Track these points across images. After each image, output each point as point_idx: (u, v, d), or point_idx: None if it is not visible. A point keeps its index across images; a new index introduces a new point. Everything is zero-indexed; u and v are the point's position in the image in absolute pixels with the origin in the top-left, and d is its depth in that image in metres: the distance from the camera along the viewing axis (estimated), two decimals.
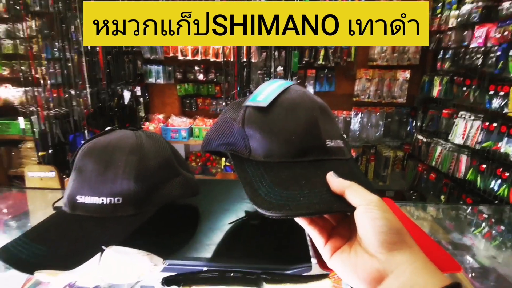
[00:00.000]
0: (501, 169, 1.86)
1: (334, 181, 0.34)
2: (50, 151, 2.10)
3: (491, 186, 1.92)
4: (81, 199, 0.47)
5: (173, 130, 2.88)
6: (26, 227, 0.60)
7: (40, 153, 2.11)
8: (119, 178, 0.47)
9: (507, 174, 1.81)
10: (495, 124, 1.90)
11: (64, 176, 2.10)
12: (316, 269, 0.44)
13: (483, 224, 0.98)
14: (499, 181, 1.87)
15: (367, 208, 0.30)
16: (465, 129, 2.15)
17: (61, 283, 0.40)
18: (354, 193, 0.31)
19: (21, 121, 2.34)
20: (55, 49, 2.26)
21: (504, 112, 1.80)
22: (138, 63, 2.85)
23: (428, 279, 0.26)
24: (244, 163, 0.41)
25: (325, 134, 0.42)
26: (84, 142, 0.54)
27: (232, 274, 0.37)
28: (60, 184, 2.02)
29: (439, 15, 2.53)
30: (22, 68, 2.30)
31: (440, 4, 2.54)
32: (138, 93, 2.68)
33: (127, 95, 2.41)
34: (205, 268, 0.40)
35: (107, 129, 0.57)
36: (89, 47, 2.27)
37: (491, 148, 1.91)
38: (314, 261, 0.43)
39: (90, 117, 2.16)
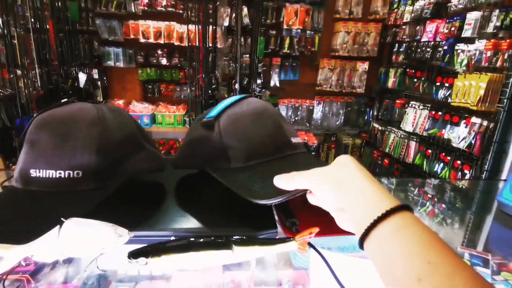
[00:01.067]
0: (444, 153, 2.06)
1: (280, 184, 0.41)
2: None
3: (435, 169, 2.13)
4: (35, 172, 0.45)
5: (135, 116, 2.75)
6: None
7: None
8: (78, 150, 0.45)
9: (449, 158, 2.01)
10: (440, 113, 2.09)
11: (11, 164, 1.93)
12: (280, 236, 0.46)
13: (427, 203, 1.09)
14: (441, 164, 2.08)
15: (309, 188, 0.39)
16: (415, 117, 2.34)
17: (15, 257, 0.38)
18: (294, 183, 0.40)
19: None
20: None
21: (448, 101, 1.98)
22: (95, 44, 2.66)
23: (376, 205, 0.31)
24: (228, 174, 0.47)
25: (288, 133, 0.51)
26: (36, 114, 0.50)
27: (201, 240, 0.38)
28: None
29: (395, 10, 2.69)
30: None
31: (397, 0, 2.69)
32: (95, 76, 2.51)
33: (82, 77, 2.24)
34: (173, 238, 0.40)
35: (63, 101, 0.53)
36: (37, 24, 2.07)
37: (436, 134, 2.10)
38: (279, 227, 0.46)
39: (40, 100, 1.99)
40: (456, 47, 1.93)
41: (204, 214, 0.48)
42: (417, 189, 1.13)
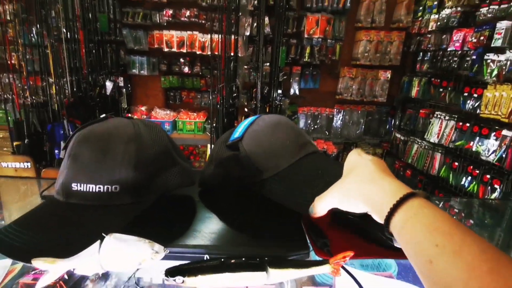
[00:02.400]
0: (472, 166, 1.98)
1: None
2: (25, 141, 2.00)
3: (462, 182, 2.04)
4: (76, 186, 0.47)
5: (157, 123, 2.82)
6: (11, 218, 0.58)
7: (15, 143, 2.01)
8: (117, 166, 0.47)
9: (477, 171, 1.92)
10: (468, 124, 2.01)
11: (40, 167, 2.02)
12: (313, 257, 0.46)
13: (454, 217, 1.05)
14: (469, 178, 1.99)
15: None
16: (440, 128, 2.26)
17: (59, 270, 0.39)
18: (318, 210, 0.42)
19: None
20: (32, 34, 2.14)
21: (477, 113, 1.91)
22: (121, 53, 2.76)
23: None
24: (265, 186, 0.50)
25: (305, 135, 0.57)
26: (77, 129, 0.53)
27: (235, 261, 0.38)
28: (36, 175, 1.94)
29: (419, 18, 2.63)
30: None
31: (421, 8, 2.64)
32: (121, 83, 2.60)
33: (109, 85, 2.33)
34: (207, 257, 0.40)
35: (101, 116, 0.56)
36: (69, 34, 2.17)
37: (463, 146, 2.02)
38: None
39: (69, 106, 2.08)
40: (486, 57, 1.86)
41: (236, 233, 0.49)
42: (443, 204, 1.09)
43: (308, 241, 0.47)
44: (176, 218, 0.53)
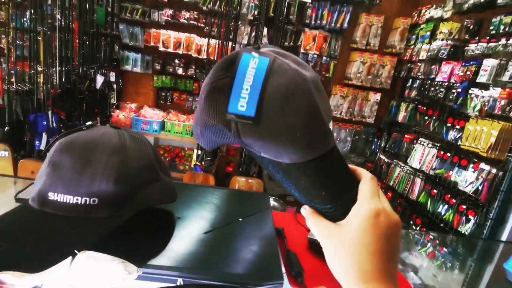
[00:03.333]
0: (449, 195, 2.04)
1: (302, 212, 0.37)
2: (6, 128, 1.94)
3: (439, 210, 2.10)
4: (53, 196, 0.46)
5: (145, 121, 2.79)
6: None
7: None
8: (98, 178, 0.46)
9: (454, 200, 1.99)
10: (449, 154, 2.08)
11: (19, 157, 1.95)
12: (286, 286, 0.46)
13: (428, 244, 1.08)
14: (446, 206, 2.05)
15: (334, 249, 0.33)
16: (423, 155, 2.33)
17: (26, 286, 0.38)
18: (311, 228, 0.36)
19: None
20: (25, 19, 2.09)
21: (458, 144, 1.98)
22: (116, 48, 2.72)
23: None
24: (262, 162, 0.36)
25: (326, 117, 0.35)
26: (60, 135, 0.52)
27: None
28: (13, 165, 1.87)
29: (412, 46, 2.72)
30: None
31: (414, 36, 2.73)
32: (112, 78, 2.56)
33: (100, 79, 2.29)
34: (180, 281, 0.40)
35: (87, 123, 0.55)
36: (63, 23, 2.13)
37: (443, 175, 2.09)
38: (285, 279, 0.46)
39: (56, 97, 2.03)
40: (470, 91, 1.94)
41: (211, 256, 0.48)
42: (423, 238, 1.12)
43: (283, 269, 0.48)
44: (153, 235, 0.52)
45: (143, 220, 0.53)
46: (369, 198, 0.33)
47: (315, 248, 0.58)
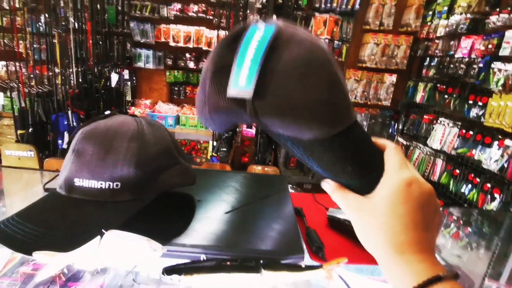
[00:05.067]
0: (472, 174, 1.97)
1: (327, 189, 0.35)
2: (30, 130, 2.02)
3: (462, 190, 2.04)
4: (79, 182, 0.48)
5: (160, 117, 2.84)
6: (13, 208, 0.60)
7: (19, 131, 2.03)
8: (119, 163, 0.47)
9: (478, 180, 1.92)
10: (471, 132, 2.00)
11: (43, 157, 2.04)
12: (307, 260, 0.47)
13: (452, 225, 1.05)
14: (469, 186, 1.99)
15: (364, 221, 0.32)
16: (443, 135, 2.25)
17: (59, 264, 0.41)
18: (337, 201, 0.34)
19: (0, 97, 2.23)
20: (40, 23, 2.15)
21: (481, 121, 1.90)
22: (127, 46, 2.77)
23: (432, 269, 0.28)
24: (279, 139, 0.34)
25: (347, 90, 0.33)
26: (82, 124, 0.54)
27: (230, 262, 0.39)
28: (38, 164, 1.96)
29: (428, 23, 2.61)
30: (5, 41, 2.18)
31: (430, 13, 2.62)
32: (126, 76, 2.61)
33: (114, 77, 2.34)
34: (203, 257, 0.41)
35: (106, 113, 0.57)
36: (77, 25, 2.18)
37: (465, 154, 2.02)
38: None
39: (74, 97, 2.09)
40: (493, 66, 1.85)
41: (233, 234, 0.49)
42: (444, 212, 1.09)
43: (304, 245, 0.48)
44: (175, 217, 0.54)
45: (165, 203, 0.55)
46: (398, 168, 0.31)
47: (334, 225, 0.58)
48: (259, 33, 0.30)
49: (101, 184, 0.47)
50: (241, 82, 0.29)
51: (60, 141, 2.04)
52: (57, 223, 0.44)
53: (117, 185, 0.48)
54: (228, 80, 0.30)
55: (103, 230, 0.41)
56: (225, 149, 2.26)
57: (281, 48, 0.30)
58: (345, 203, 0.33)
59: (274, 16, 2.57)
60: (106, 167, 0.47)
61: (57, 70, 2.12)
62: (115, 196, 0.48)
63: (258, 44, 0.29)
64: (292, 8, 2.46)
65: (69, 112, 2.03)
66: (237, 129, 2.62)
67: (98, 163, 0.47)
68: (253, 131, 2.62)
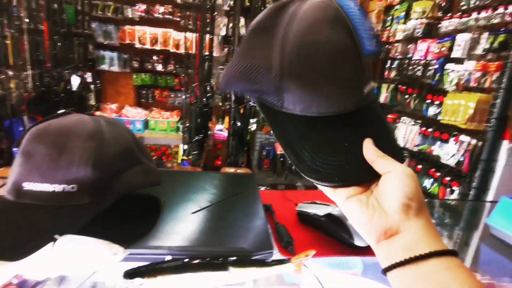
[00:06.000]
0: (433, 169, 2.10)
1: (368, 150, 0.33)
2: None
3: (425, 184, 2.16)
4: (28, 185, 0.44)
5: (127, 121, 2.73)
6: None
7: None
8: (74, 164, 0.44)
9: (438, 174, 2.05)
10: (430, 130, 2.13)
11: None
12: (276, 256, 0.46)
13: None
14: (431, 180, 2.11)
15: (398, 174, 0.31)
16: (406, 133, 2.38)
17: (7, 275, 0.37)
18: (387, 163, 0.32)
19: None
20: None
21: (438, 119, 2.03)
22: (90, 47, 2.64)
23: (431, 242, 0.29)
24: (277, 117, 0.34)
25: (366, 77, 0.35)
26: (33, 124, 0.50)
27: (198, 261, 0.38)
28: None
29: (388, 28, 2.76)
30: None
31: (389, 18, 2.77)
32: (89, 79, 2.49)
33: (75, 80, 2.22)
34: (168, 257, 0.39)
35: (59, 112, 0.53)
36: (32, 25, 2.05)
37: (426, 150, 2.14)
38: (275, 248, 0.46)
39: (31, 102, 1.95)
40: (446, 67, 1.99)
41: (200, 232, 0.48)
42: None
43: (273, 241, 0.48)
44: (138, 219, 0.51)
45: (127, 205, 0.52)
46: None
47: (304, 219, 0.58)
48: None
49: (55, 187, 0.44)
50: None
51: (14, 149, 1.89)
52: (4, 231, 0.40)
53: (72, 187, 0.44)
54: (264, 39, 0.34)
55: (56, 236, 0.38)
56: (196, 152, 2.23)
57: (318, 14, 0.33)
58: (385, 167, 0.32)
59: (242, 19, 2.58)
60: (59, 169, 0.44)
61: (10, 73, 1.97)
62: (71, 199, 0.44)
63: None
64: (260, 10, 2.48)
65: (25, 117, 1.89)
66: (208, 132, 2.59)
67: (51, 165, 0.44)
68: (225, 133, 2.60)
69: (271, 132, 0.35)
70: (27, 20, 2.03)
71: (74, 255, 0.37)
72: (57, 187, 0.44)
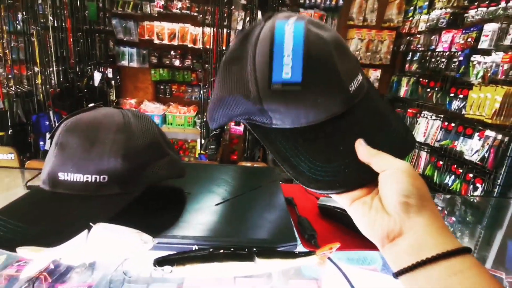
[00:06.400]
0: (455, 165, 2.04)
1: (361, 151, 0.33)
2: (9, 131, 1.95)
3: (446, 181, 2.10)
4: (63, 176, 0.46)
5: None
6: None
7: None
8: (105, 156, 0.46)
9: (461, 170, 1.98)
10: (453, 124, 2.06)
11: (25, 159, 1.97)
12: (300, 248, 0.47)
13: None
14: (453, 176, 2.05)
15: (393, 172, 0.30)
16: (427, 128, 2.31)
17: (45, 260, 0.39)
18: (382, 161, 0.31)
19: None
20: (17, 21, 2.07)
21: (462, 113, 1.96)
22: (110, 44, 2.71)
23: (439, 240, 0.27)
24: (269, 135, 0.35)
25: (347, 77, 0.35)
26: (65, 117, 0.52)
27: (223, 251, 0.39)
28: (20, 167, 1.89)
29: (410, 18, 2.67)
30: None
31: (412, 8, 2.68)
32: (110, 75, 2.55)
33: (97, 76, 2.28)
34: (195, 247, 0.41)
35: (90, 105, 0.55)
36: (56, 22, 2.11)
37: (448, 146, 2.08)
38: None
39: (56, 97, 2.03)
40: (472, 59, 1.91)
41: (224, 224, 0.49)
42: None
43: (296, 233, 0.48)
44: (165, 209, 0.53)
45: (154, 196, 0.54)
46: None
47: (326, 213, 0.58)
48: (290, 29, 0.33)
49: (87, 177, 0.46)
50: (285, 74, 0.32)
51: (41, 143, 1.98)
52: (41, 219, 0.43)
53: (103, 178, 0.46)
54: (235, 69, 0.35)
55: (90, 224, 0.39)
56: (213, 147, 2.25)
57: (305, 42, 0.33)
58: (384, 163, 0.31)
59: (259, 13, 2.56)
60: (91, 160, 0.46)
61: (36, 69, 2.05)
62: (102, 189, 0.46)
63: (294, 39, 0.33)
64: (277, 4, 2.46)
65: (51, 112, 1.97)
66: (225, 127, 2.60)
67: (83, 155, 0.46)
68: (241, 128, 2.62)
69: (266, 149, 0.36)
70: (51, 17, 2.10)
71: (107, 242, 0.39)
72: (90, 178, 0.45)
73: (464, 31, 2.01)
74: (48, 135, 1.97)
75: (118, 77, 2.93)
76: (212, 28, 2.37)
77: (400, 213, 0.29)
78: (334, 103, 0.34)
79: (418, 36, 2.52)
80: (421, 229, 0.28)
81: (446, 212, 1.11)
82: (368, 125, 0.35)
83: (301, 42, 0.32)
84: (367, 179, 0.32)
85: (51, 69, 2.09)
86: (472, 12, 1.96)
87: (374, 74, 2.92)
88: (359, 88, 0.36)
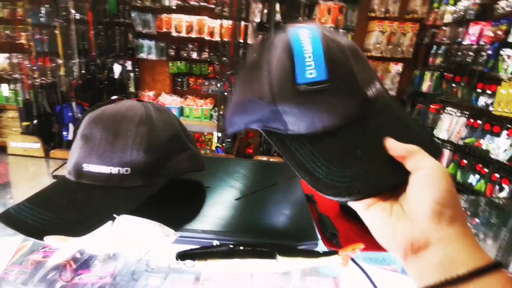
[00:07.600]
0: (480, 165, 1.95)
1: (394, 145, 0.31)
2: (34, 121, 2.02)
3: (470, 180, 2.02)
4: (88, 167, 0.47)
5: None
6: (21, 196, 0.59)
7: (24, 123, 2.03)
8: (128, 148, 0.46)
9: (486, 170, 1.90)
10: (479, 121, 1.97)
11: (49, 148, 2.04)
12: (321, 247, 0.46)
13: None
14: (477, 176, 1.97)
15: (429, 173, 0.27)
16: (450, 124, 2.23)
17: (71, 249, 0.40)
18: (419, 158, 0.29)
19: (5, 89, 2.22)
20: (41, 14, 2.13)
21: (489, 110, 1.87)
22: (129, 36, 2.74)
23: (470, 256, 0.25)
24: (285, 141, 0.35)
25: (363, 81, 0.35)
26: (88, 110, 0.52)
27: (244, 247, 0.38)
28: (44, 156, 1.96)
29: (435, 10, 2.56)
30: (6, 32, 2.16)
31: None
32: (129, 67, 2.59)
33: (117, 68, 2.32)
34: (216, 242, 0.40)
35: (113, 98, 0.55)
36: (78, 15, 2.16)
37: (473, 144, 1.99)
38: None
39: (78, 89, 2.08)
40: (502, 52, 1.81)
41: (245, 220, 0.49)
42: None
43: (317, 232, 0.47)
44: (185, 203, 0.53)
45: (175, 189, 0.54)
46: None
47: (347, 211, 0.57)
48: (305, 33, 0.35)
49: (111, 169, 0.46)
50: (309, 75, 0.33)
51: (65, 133, 2.04)
52: (67, 208, 0.44)
53: (126, 170, 0.47)
54: (253, 74, 0.37)
55: (114, 215, 0.40)
56: (229, 140, 2.26)
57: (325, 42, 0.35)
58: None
59: (277, 5, 2.52)
60: (115, 152, 0.46)
61: (59, 61, 2.11)
62: (125, 181, 0.47)
63: (312, 41, 0.34)
64: None
65: (73, 104, 2.02)
66: None
67: (107, 147, 0.46)
68: None
69: (282, 156, 0.36)
70: (73, 10, 2.14)
71: (131, 234, 0.39)
72: (113, 169, 0.46)
73: (493, 23, 1.90)
74: (71, 126, 2.03)
75: (137, 69, 2.97)
76: (229, 21, 2.36)
77: (431, 221, 0.26)
78: (350, 104, 0.34)
79: (444, 28, 2.41)
80: (453, 242, 0.26)
81: (469, 213, 1.07)
82: (389, 131, 0.33)
83: (320, 44, 0.34)
84: (388, 184, 0.30)
85: (73, 61, 2.14)
86: (502, 3, 1.85)
87: (395, 68, 2.82)
88: (377, 94, 0.36)
